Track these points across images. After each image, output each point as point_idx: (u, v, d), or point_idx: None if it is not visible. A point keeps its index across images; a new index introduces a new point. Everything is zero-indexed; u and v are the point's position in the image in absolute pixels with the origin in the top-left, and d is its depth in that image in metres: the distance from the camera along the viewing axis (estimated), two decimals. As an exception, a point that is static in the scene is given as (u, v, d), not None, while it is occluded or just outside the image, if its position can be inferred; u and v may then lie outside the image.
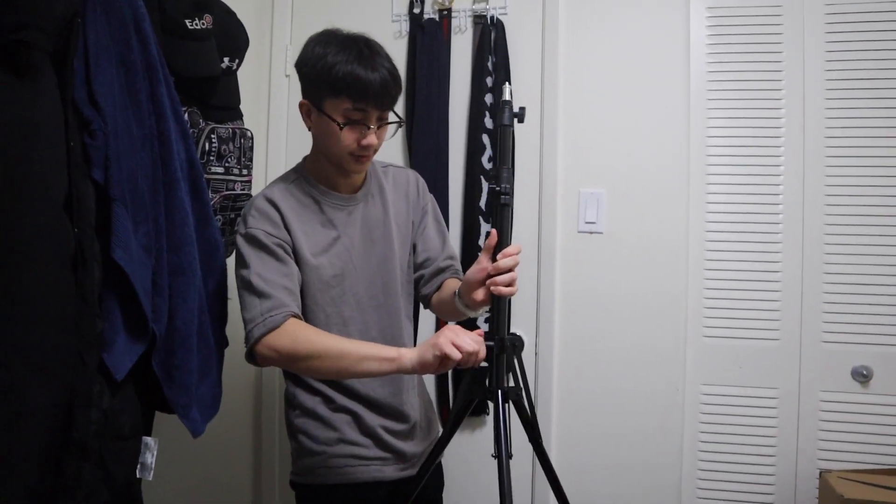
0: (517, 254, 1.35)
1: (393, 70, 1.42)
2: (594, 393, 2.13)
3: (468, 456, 2.15)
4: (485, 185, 2.15)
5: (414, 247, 1.61)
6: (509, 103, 1.36)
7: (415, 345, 1.63)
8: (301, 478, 1.51)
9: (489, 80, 2.15)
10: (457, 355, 1.27)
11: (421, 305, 1.68)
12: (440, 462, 1.63)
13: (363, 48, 1.40)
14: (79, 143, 1.14)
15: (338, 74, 1.37)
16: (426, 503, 1.60)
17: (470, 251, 2.13)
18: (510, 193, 1.34)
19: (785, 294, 2.02)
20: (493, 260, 1.35)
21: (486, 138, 2.15)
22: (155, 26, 1.35)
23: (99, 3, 1.19)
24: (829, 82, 2.00)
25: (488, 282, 1.35)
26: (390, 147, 2.19)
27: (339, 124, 1.39)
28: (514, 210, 1.48)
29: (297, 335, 1.34)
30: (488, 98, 2.15)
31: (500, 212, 1.35)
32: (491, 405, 2.04)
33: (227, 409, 1.63)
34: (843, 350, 1.99)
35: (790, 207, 2.02)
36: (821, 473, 1.89)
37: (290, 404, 1.52)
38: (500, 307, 1.35)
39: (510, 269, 1.33)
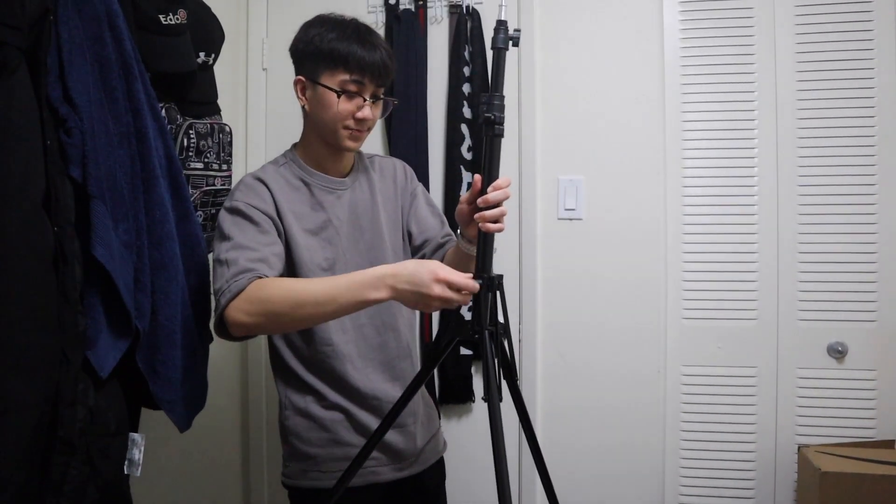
0: (507, 187, 1.27)
1: (389, 49, 1.46)
2: (577, 378, 2.16)
3: (461, 443, 2.17)
4: (465, 175, 2.16)
5: (410, 234, 1.60)
6: (505, 24, 1.24)
7: (417, 335, 1.61)
8: (293, 480, 1.49)
9: (466, 70, 2.16)
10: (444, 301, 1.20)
11: None
12: (442, 456, 1.64)
13: (360, 26, 1.44)
14: (55, 140, 1.14)
15: (336, 48, 1.39)
16: (428, 497, 1.60)
17: (451, 240, 2.15)
18: (503, 123, 1.23)
19: (761, 275, 2.06)
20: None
21: (465, 128, 2.16)
22: (129, 22, 1.34)
23: (71, 0, 1.19)
24: (800, 64, 2.04)
25: (476, 216, 1.26)
26: (369, 138, 2.19)
27: (337, 92, 1.40)
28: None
29: (262, 293, 1.26)
30: (466, 87, 2.16)
31: (491, 143, 1.24)
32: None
33: (214, 404, 1.64)
34: (818, 328, 2.03)
35: (765, 190, 2.06)
36: (799, 448, 1.94)
37: (282, 405, 1.51)
38: (486, 244, 1.24)
39: (499, 203, 1.26)
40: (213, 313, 1.35)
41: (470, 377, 2.18)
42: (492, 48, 1.25)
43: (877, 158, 1.99)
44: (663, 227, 2.11)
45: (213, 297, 1.35)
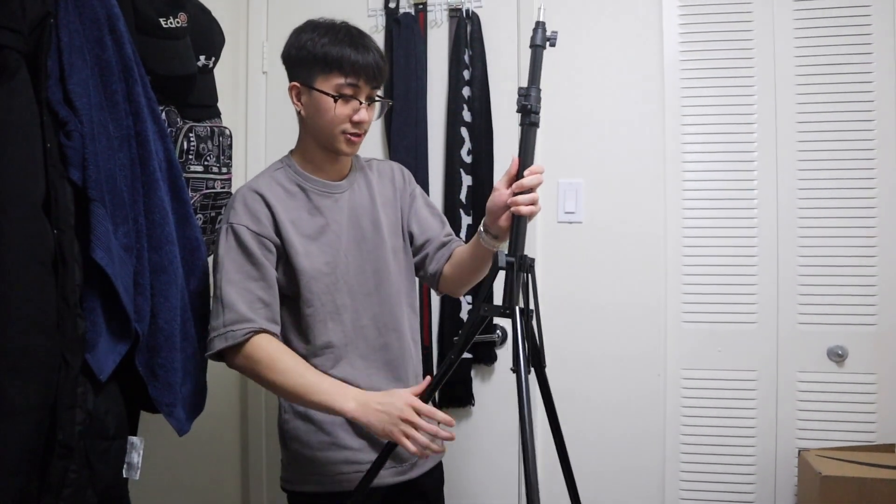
0: (541, 173, 1.33)
1: (380, 51, 1.47)
2: (576, 381, 2.15)
3: (460, 447, 2.17)
4: (464, 179, 2.16)
5: (411, 235, 1.60)
6: (542, 24, 1.33)
7: (420, 336, 1.63)
8: (292, 485, 1.49)
9: (466, 74, 2.16)
10: (410, 450, 1.30)
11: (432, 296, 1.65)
12: (441, 461, 1.63)
13: (352, 29, 1.46)
14: (55, 143, 1.14)
15: (330, 52, 1.40)
16: (428, 501, 1.59)
17: (451, 244, 2.15)
18: (539, 113, 1.31)
19: (761, 278, 2.06)
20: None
21: (464, 131, 2.16)
22: (129, 25, 1.34)
23: (72, 3, 1.19)
24: (799, 68, 2.04)
25: (510, 201, 1.33)
26: (369, 142, 2.19)
27: (333, 97, 1.41)
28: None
29: (257, 357, 1.36)
30: (466, 91, 2.16)
31: (527, 131, 1.32)
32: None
33: (213, 408, 1.63)
34: (818, 331, 2.03)
35: (764, 193, 2.06)
36: (799, 452, 1.93)
37: (281, 408, 1.51)
38: (520, 227, 1.32)
39: (533, 189, 1.32)
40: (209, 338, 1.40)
41: (470, 380, 2.18)
42: (530, 46, 1.33)
43: (876, 162, 2.00)
44: (663, 229, 2.11)
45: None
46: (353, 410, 1.33)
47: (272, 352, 1.38)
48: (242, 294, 1.38)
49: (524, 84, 1.31)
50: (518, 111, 1.31)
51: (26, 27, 1.10)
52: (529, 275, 1.29)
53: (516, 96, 1.32)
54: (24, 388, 1.05)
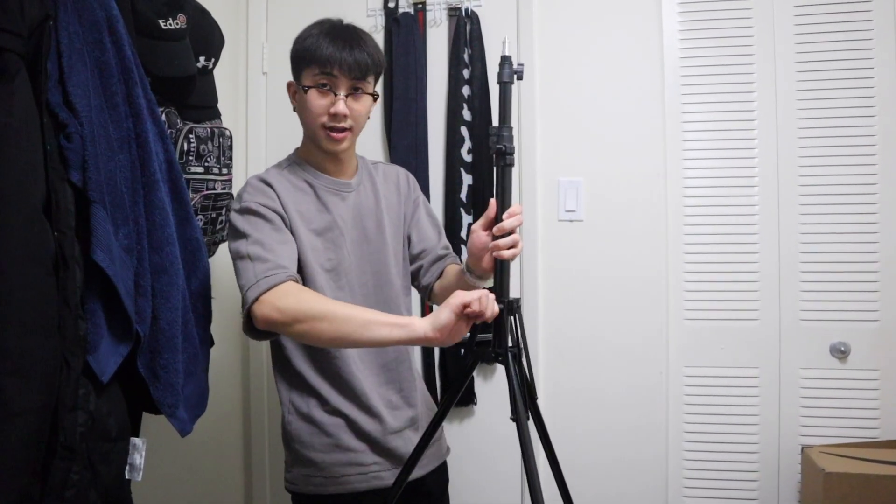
0: (519, 213, 1.32)
1: (371, 46, 1.45)
2: (578, 380, 2.15)
3: (463, 446, 2.16)
4: (465, 178, 2.16)
5: (409, 240, 1.61)
6: (509, 59, 1.30)
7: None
8: (296, 486, 1.49)
9: (466, 73, 2.16)
10: (474, 303, 1.19)
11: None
12: (445, 461, 1.64)
13: (336, 24, 1.46)
14: (55, 145, 1.14)
15: (306, 46, 1.42)
16: (432, 501, 1.60)
17: (452, 244, 2.13)
18: (513, 153, 1.30)
19: (763, 275, 2.05)
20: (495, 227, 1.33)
21: (464, 130, 2.16)
22: (128, 27, 1.35)
23: (71, 5, 1.19)
24: (800, 64, 2.03)
25: (491, 245, 1.32)
26: (369, 142, 2.20)
27: (308, 88, 1.42)
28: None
29: (300, 295, 1.29)
30: (465, 90, 2.16)
31: (503, 173, 1.30)
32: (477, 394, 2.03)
33: (215, 408, 1.64)
34: (821, 328, 2.02)
35: (765, 190, 2.06)
36: (803, 448, 1.93)
37: (285, 408, 1.50)
38: (503, 270, 1.31)
39: (513, 230, 1.31)
40: (241, 309, 1.35)
41: (472, 380, 2.18)
42: (497, 83, 1.31)
43: (877, 158, 1.99)
44: (664, 227, 2.11)
45: (236, 293, 1.36)
46: (427, 331, 1.22)
47: (312, 292, 1.33)
48: (272, 248, 1.34)
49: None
50: (492, 153, 1.29)
51: (26, 30, 1.10)
52: (517, 316, 1.28)
53: (489, 136, 1.29)
54: (25, 390, 1.05)
